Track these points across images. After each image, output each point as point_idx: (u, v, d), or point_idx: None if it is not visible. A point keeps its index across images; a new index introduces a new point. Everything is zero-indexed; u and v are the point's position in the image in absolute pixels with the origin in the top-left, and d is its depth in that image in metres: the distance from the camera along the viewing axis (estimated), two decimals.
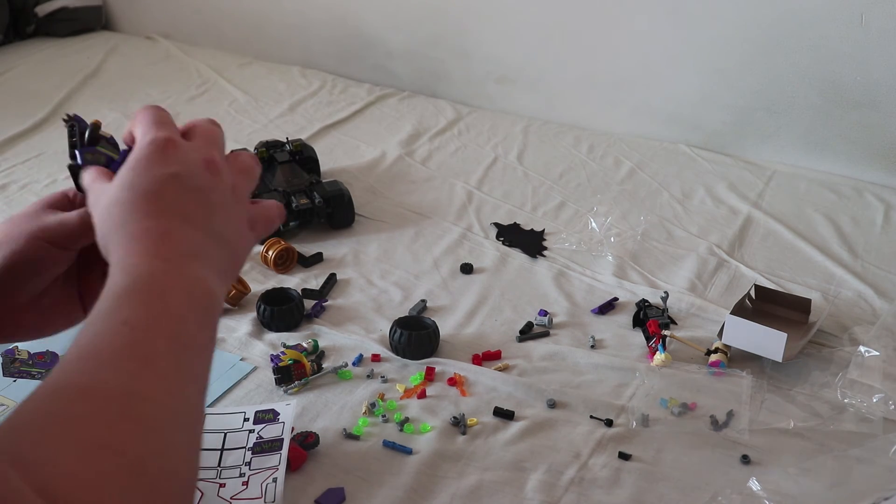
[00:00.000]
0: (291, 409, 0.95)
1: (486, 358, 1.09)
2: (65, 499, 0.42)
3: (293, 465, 0.90)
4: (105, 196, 0.59)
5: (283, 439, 0.91)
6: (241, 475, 0.87)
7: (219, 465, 0.89)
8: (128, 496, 0.44)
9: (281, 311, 1.14)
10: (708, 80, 1.69)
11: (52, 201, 0.71)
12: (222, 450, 0.90)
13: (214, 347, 0.56)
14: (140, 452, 0.46)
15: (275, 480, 0.86)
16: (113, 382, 0.48)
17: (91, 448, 0.44)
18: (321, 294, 1.21)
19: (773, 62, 1.60)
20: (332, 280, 1.24)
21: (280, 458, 0.89)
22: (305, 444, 0.92)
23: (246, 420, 0.94)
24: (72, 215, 0.68)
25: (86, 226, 0.65)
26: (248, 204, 0.63)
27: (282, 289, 1.19)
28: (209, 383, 0.55)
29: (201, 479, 0.86)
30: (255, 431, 0.92)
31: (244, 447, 0.91)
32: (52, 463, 0.43)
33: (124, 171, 0.59)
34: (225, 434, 0.92)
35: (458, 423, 0.97)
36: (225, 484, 0.86)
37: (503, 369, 1.07)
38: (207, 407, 0.97)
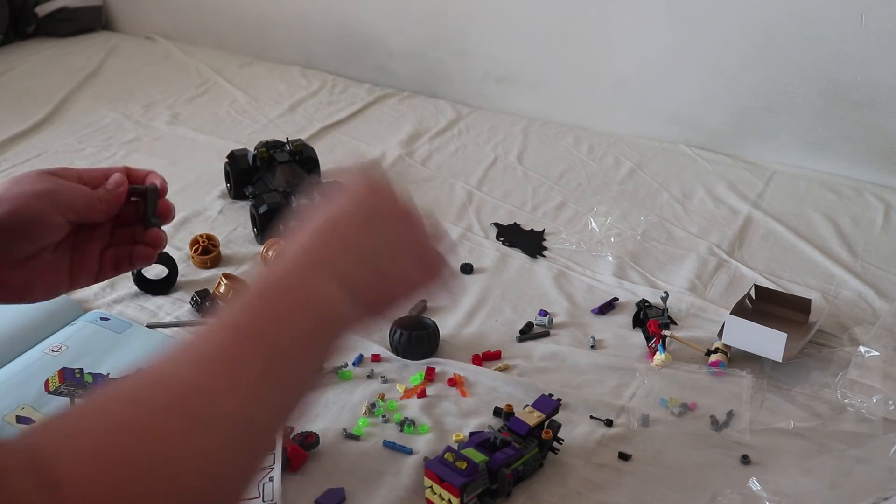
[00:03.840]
0: None
1: (486, 358, 1.09)
2: (68, 473, 0.42)
3: (293, 466, 0.90)
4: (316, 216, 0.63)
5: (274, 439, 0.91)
6: None
7: None
8: (141, 481, 0.43)
9: None
10: (708, 80, 1.69)
11: (65, 172, 0.73)
12: None
13: (323, 365, 0.56)
14: (178, 445, 0.45)
15: (271, 479, 0.86)
16: (188, 376, 0.48)
17: (121, 428, 0.44)
18: None
19: (773, 62, 1.60)
20: None
21: (274, 458, 0.88)
22: (305, 444, 0.92)
23: None
24: (83, 190, 0.72)
25: (91, 203, 0.71)
26: (426, 246, 0.65)
27: None
28: (305, 399, 0.54)
29: None
30: None
31: None
32: (73, 434, 0.43)
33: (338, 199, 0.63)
34: None
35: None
36: None
37: (503, 369, 1.07)
38: None
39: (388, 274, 0.62)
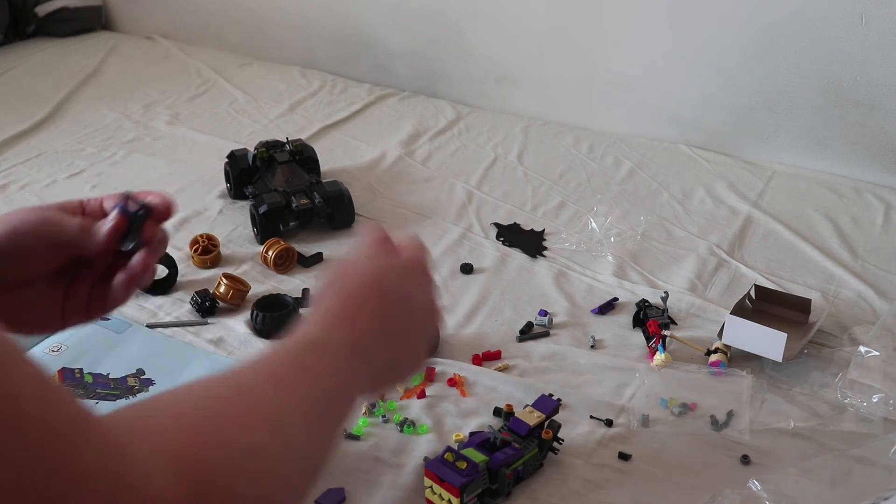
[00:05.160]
0: None
1: (486, 358, 1.09)
2: (224, 488, 0.47)
3: None
4: (361, 266, 0.69)
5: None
6: None
7: None
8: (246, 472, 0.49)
9: (273, 318, 1.12)
10: (708, 80, 1.69)
11: (66, 205, 0.72)
12: None
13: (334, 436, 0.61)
14: (275, 459, 0.51)
15: None
16: (269, 395, 0.55)
17: (227, 426, 0.50)
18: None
19: (773, 62, 1.60)
20: (306, 295, 1.21)
21: None
22: None
23: None
24: (73, 221, 0.69)
25: (82, 235, 0.68)
26: (434, 328, 0.76)
27: (276, 295, 1.17)
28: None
29: None
30: None
31: None
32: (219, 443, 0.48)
33: (388, 266, 0.70)
34: None
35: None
36: None
37: (503, 369, 1.07)
38: None
39: (402, 367, 0.70)
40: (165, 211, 0.72)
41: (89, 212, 0.72)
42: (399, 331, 0.67)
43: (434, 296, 0.72)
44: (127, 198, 0.71)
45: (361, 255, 0.71)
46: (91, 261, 0.72)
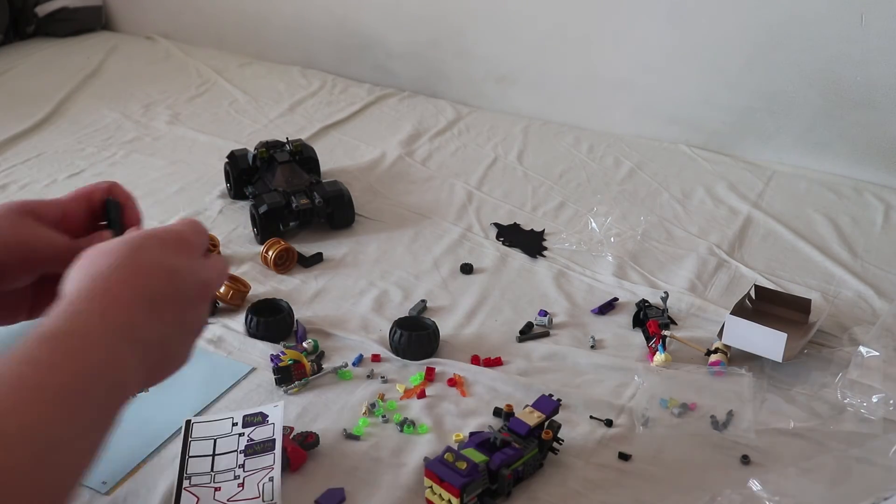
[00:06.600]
0: (280, 411, 0.95)
1: (487, 365, 1.08)
2: None
3: (293, 466, 0.90)
4: (112, 243, 0.59)
5: (274, 440, 0.91)
6: (236, 477, 0.87)
7: (212, 469, 0.89)
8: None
9: (268, 322, 1.12)
10: (708, 80, 1.69)
11: (38, 206, 0.68)
12: (214, 455, 0.90)
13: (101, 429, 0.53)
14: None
15: (271, 479, 0.86)
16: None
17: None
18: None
19: (773, 62, 1.60)
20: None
21: (274, 458, 0.89)
22: (305, 444, 0.92)
23: (235, 424, 0.94)
24: (57, 241, 0.66)
25: (72, 254, 0.61)
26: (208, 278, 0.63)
27: (272, 299, 1.16)
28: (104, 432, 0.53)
29: (196, 485, 0.86)
30: (246, 434, 0.92)
31: (236, 450, 0.90)
32: None
33: (142, 234, 0.60)
34: (215, 440, 0.92)
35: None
36: (220, 487, 0.86)
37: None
38: (197, 415, 0.97)
39: (182, 337, 0.60)
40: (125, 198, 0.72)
41: (70, 219, 0.69)
42: (166, 303, 0.57)
43: (204, 270, 0.62)
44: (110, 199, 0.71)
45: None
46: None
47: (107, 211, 0.70)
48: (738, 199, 1.51)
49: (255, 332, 1.12)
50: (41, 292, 0.68)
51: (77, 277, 0.56)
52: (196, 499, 0.85)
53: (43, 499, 0.48)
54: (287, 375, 1.02)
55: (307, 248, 1.33)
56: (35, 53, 2.17)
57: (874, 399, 0.99)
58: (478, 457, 0.85)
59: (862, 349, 1.04)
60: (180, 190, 1.51)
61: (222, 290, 1.18)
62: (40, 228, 0.66)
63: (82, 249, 0.60)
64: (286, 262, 1.28)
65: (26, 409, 0.48)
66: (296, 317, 1.15)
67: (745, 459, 0.92)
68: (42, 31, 2.27)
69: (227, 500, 0.85)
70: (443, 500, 0.83)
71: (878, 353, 1.03)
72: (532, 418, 0.89)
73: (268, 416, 0.94)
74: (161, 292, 0.57)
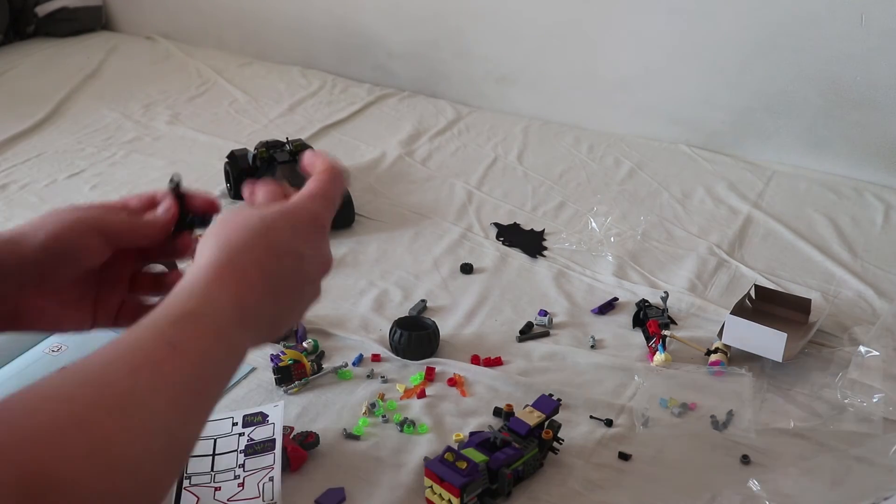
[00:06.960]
0: (280, 411, 0.95)
1: (487, 364, 1.08)
2: (46, 475, 0.42)
3: (293, 465, 0.90)
4: (248, 216, 0.61)
5: (274, 439, 0.91)
6: (236, 477, 0.87)
7: (212, 469, 0.89)
8: (93, 470, 0.44)
9: None
10: (708, 80, 1.69)
11: (106, 204, 0.72)
12: (214, 455, 0.90)
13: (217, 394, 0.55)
14: (118, 444, 0.46)
15: (271, 479, 0.86)
16: (118, 378, 0.48)
17: (67, 425, 0.45)
18: None
19: (773, 62, 1.60)
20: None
21: (274, 458, 0.89)
22: (305, 444, 0.92)
23: (235, 424, 0.94)
24: (121, 213, 0.71)
25: (133, 225, 0.69)
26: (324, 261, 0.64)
27: None
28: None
29: (196, 485, 0.86)
30: (246, 434, 0.92)
31: (236, 450, 0.91)
32: (31, 440, 0.43)
33: (277, 214, 0.61)
34: (215, 440, 0.92)
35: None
36: (220, 487, 0.86)
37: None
38: None
39: (290, 315, 0.62)
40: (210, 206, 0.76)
41: (132, 209, 0.73)
42: (288, 288, 0.59)
43: (327, 248, 0.63)
44: (176, 183, 0.74)
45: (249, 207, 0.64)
46: (125, 263, 0.72)
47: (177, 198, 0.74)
48: (738, 199, 1.51)
49: None
50: (103, 304, 0.71)
51: (212, 245, 0.59)
52: (196, 498, 0.85)
53: (165, 487, 0.49)
54: (287, 375, 1.02)
55: None
56: (35, 53, 2.17)
57: (874, 399, 0.99)
58: (478, 456, 0.85)
59: (862, 349, 1.04)
60: None
61: None
62: (99, 207, 0.70)
63: (160, 215, 0.69)
64: None
65: (160, 395, 0.49)
66: None
67: (745, 459, 0.92)
68: (42, 31, 2.27)
69: (227, 500, 0.85)
70: (443, 499, 0.83)
71: (878, 353, 1.03)
72: (532, 418, 0.89)
73: (268, 415, 0.94)
74: (287, 278, 0.59)
